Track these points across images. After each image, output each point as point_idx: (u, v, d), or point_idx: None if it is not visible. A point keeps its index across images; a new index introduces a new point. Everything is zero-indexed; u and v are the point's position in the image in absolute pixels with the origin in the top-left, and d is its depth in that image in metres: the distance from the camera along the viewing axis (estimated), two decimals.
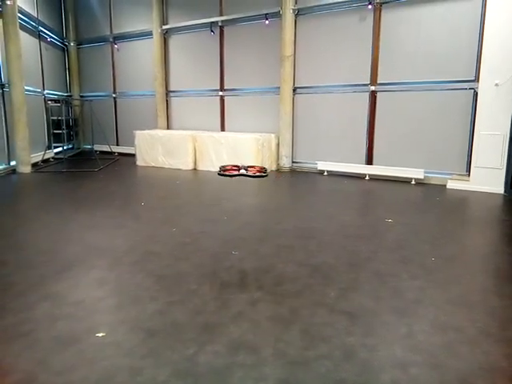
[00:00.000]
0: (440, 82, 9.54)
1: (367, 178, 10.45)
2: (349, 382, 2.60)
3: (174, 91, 14.35)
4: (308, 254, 4.92)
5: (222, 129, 13.39)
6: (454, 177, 9.40)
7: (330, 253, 4.96)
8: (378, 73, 10.37)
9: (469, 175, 9.11)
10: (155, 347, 2.94)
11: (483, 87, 8.60)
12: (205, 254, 4.90)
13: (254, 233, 5.81)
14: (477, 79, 8.89)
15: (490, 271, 4.56)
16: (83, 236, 5.61)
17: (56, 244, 5.26)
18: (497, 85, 8.38)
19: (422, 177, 9.74)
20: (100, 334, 3.08)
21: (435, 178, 9.73)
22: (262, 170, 6.08)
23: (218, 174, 6.14)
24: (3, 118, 11.26)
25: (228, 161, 11.08)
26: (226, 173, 6.15)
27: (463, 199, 8.30)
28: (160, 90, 14.12)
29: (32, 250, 5.08)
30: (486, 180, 8.72)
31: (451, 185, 9.22)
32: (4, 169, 11.10)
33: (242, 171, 5.93)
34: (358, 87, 10.71)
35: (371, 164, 10.70)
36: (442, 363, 2.78)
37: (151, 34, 13.92)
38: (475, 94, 8.97)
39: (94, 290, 3.90)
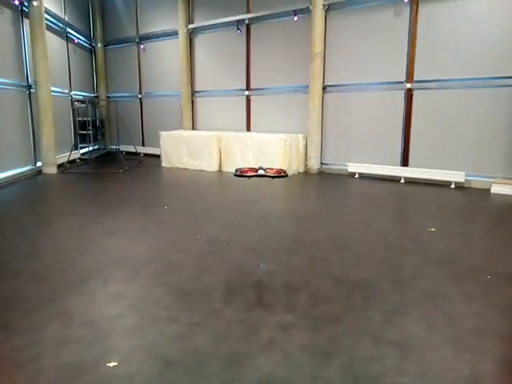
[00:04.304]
0: (483, 79, 8.81)
1: (402, 180, 9.80)
2: None
3: (199, 91, 14.06)
4: (345, 268, 4.42)
5: (248, 129, 12.99)
6: (499, 180, 8.65)
7: (369, 267, 4.45)
8: (415, 70, 9.71)
9: None
10: (173, 382, 2.54)
11: None
12: (230, 265, 4.49)
13: (283, 242, 5.36)
14: None
15: None
16: (103, 243, 5.31)
17: (75, 251, 4.97)
18: None
19: (462, 180, 9.05)
20: (111, 364, 2.70)
21: (477, 182, 9.02)
22: (281, 171, 5.67)
23: (234, 175, 5.81)
24: (30, 119, 11.23)
25: (254, 162, 10.63)
26: (243, 174, 5.80)
27: None
28: (185, 91, 13.86)
29: (49, 258, 4.80)
30: None
31: (496, 189, 8.49)
32: (30, 170, 11.06)
33: (261, 172, 5.53)
34: (392, 85, 10.06)
35: (407, 166, 10.04)
36: None
37: (177, 34, 13.68)
38: None
39: (108, 308, 3.54)
